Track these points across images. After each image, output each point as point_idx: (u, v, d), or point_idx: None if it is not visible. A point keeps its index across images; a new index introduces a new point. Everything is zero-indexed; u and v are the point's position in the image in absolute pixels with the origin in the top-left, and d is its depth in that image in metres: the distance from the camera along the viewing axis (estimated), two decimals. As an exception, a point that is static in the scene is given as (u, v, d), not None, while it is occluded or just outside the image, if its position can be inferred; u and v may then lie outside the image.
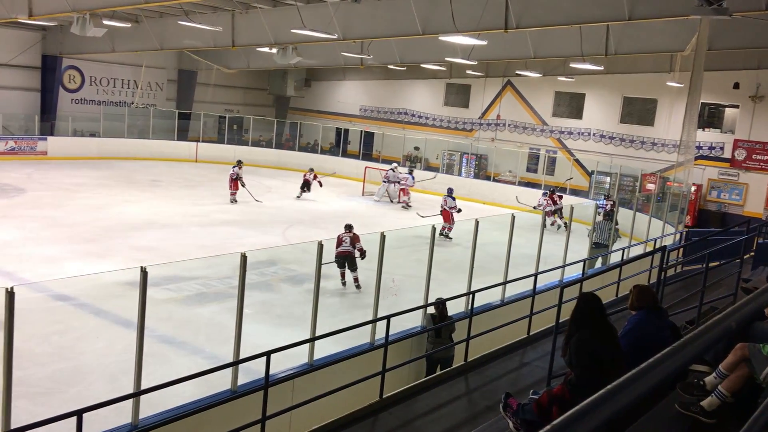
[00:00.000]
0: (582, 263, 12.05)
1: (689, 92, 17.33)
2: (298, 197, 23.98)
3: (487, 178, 29.61)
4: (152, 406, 6.20)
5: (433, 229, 9.13)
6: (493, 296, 10.20)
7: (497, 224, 11.87)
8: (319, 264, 7.67)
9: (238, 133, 34.61)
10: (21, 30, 26.78)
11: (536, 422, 4.63)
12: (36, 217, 17.06)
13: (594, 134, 28.84)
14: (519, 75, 28.46)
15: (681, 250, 15.06)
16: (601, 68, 23.54)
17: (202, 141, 32.00)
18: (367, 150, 33.44)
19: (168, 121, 32.03)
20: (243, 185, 22.06)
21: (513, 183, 27.92)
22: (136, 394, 5.87)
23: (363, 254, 12.93)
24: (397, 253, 15.85)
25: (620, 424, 3.85)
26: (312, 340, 7.34)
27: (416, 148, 32.81)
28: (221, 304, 11.85)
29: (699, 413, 4.25)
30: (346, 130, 34.54)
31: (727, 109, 26.03)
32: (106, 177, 24.37)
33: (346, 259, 13.15)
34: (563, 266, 11.71)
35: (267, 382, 6.29)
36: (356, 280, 13.22)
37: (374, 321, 8.03)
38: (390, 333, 7.69)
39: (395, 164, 26.29)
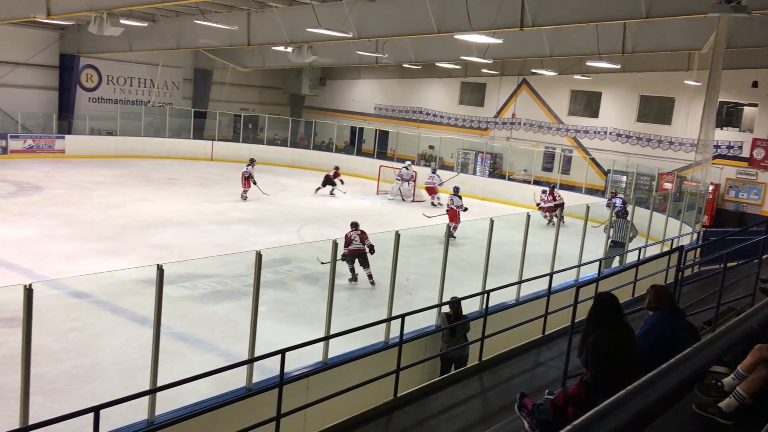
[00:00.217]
0: (597, 263, 11.95)
1: (707, 91, 17.15)
2: (331, 192, 24.61)
3: (502, 177, 29.50)
4: (168, 402, 6.23)
5: (448, 227, 9.12)
6: (508, 296, 10.16)
7: (512, 223, 11.83)
8: (334, 262, 7.68)
9: (253, 131, 34.75)
10: (39, 29, 27.05)
11: (551, 422, 4.60)
12: (53, 215, 17.23)
13: (610, 133, 28.64)
14: (534, 73, 28.31)
15: (698, 249, 14.91)
16: (618, 66, 23.36)
17: (218, 140, 32.16)
18: (382, 149, 33.44)
19: (184, 120, 32.23)
20: (254, 183, 22.20)
21: (528, 182, 27.81)
22: (153, 391, 5.90)
23: (372, 249, 13.14)
24: (411, 251, 15.90)
25: (637, 425, 3.82)
26: (326, 338, 7.34)
27: (431, 147, 32.76)
28: (236, 302, 11.90)
29: (717, 414, 4.21)
30: (361, 129, 34.55)
31: (745, 107, 25.76)
32: (123, 175, 24.55)
33: (357, 257, 13.22)
34: (578, 266, 11.64)
35: (282, 380, 6.31)
36: (370, 276, 13.28)
37: (388, 320, 8.03)
38: (404, 332, 7.68)
39: (408, 162, 26.26)
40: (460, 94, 33.43)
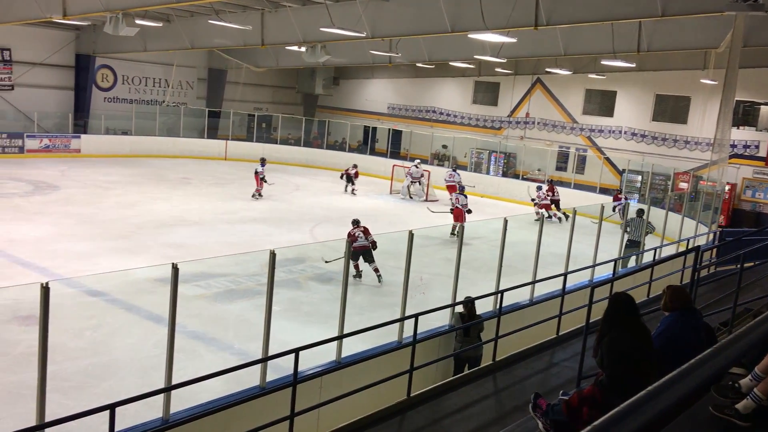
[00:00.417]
0: (612, 263, 11.88)
1: (724, 89, 17.00)
2: (352, 192, 25.06)
3: (516, 176, 29.40)
4: (182, 400, 6.26)
5: (462, 228, 9.10)
6: (522, 296, 10.12)
7: (526, 223, 11.81)
8: (347, 261, 7.68)
9: (266, 131, 34.86)
10: (55, 30, 27.29)
11: (566, 423, 4.58)
12: (69, 214, 17.37)
13: (625, 132, 28.47)
14: (549, 72, 28.19)
15: (714, 250, 14.78)
16: (633, 65, 23.22)
17: (232, 139, 32.28)
18: (395, 148, 33.41)
19: (198, 120, 32.39)
20: (264, 180, 22.42)
21: (542, 181, 27.66)
22: (167, 389, 5.93)
23: (375, 246, 13.29)
24: (424, 251, 15.89)
25: (655, 427, 3.79)
26: (340, 337, 7.35)
27: (444, 147, 32.71)
28: (250, 301, 11.94)
29: (734, 416, 4.17)
30: (374, 128, 34.56)
31: (762, 106, 25.49)
32: (138, 174, 24.72)
33: (362, 254, 13.30)
34: (593, 266, 11.58)
35: (295, 379, 6.32)
36: (376, 270, 13.39)
37: (402, 319, 8.02)
38: (417, 331, 7.67)
39: (418, 161, 26.29)
40: (474, 93, 33.35)
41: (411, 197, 24.98)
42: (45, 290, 5.06)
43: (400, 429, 6.84)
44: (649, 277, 11.36)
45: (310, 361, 7.12)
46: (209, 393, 6.51)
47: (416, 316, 7.67)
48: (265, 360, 6.66)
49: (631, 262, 14.29)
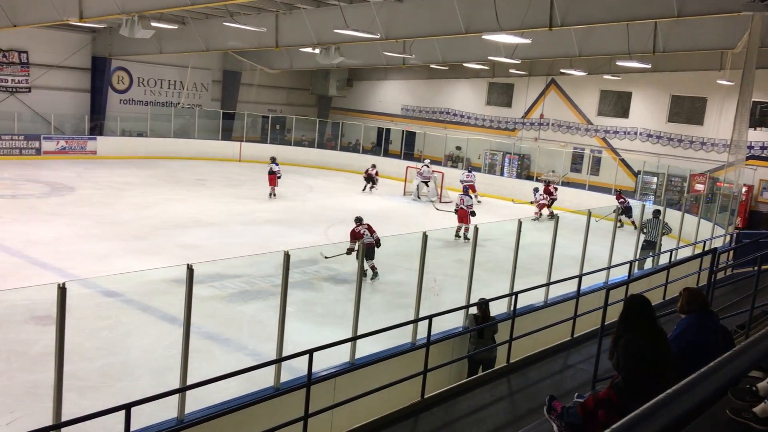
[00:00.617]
0: (628, 265, 11.80)
1: (740, 90, 16.86)
2: (371, 189, 25.78)
3: (530, 178, 29.29)
4: (197, 401, 6.29)
5: (476, 229, 9.06)
6: (536, 297, 10.07)
7: (540, 224, 11.75)
8: (361, 262, 7.69)
9: (281, 132, 34.98)
10: (72, 32, 27.56)
11: (581, 426, 4.54)
12: (86, 215, 17.51)
13: (641, 133, 28.29)
14: (563, 73, 28.07)
15: (731, 252, 14.64)
16: (649, 66, 23.05)
17: (246, 141, 32.44)
18: (409, 150, 33.41)
19: (213, 121, 32.57)
20: (279, 178, 22.96)
21: (557, 183, 27.54)
22: (182, 390, 5.96)
23: (378, 243, 13.34)
24: (438, 252, 15.86)
25: (670, 430, 3.76)
26: (354, 339, 7.35)
27: (458, 148, 32.65)
28: (264, 302, 11.99)
29: (751, 420, 4.12)
30: (388, 130, 34.58)
31: (780, 107, 25.27)
32: (153, 176, 24.88)
33: (367, 251, 13.32)
34: (608, 268, 11.51)
35: (309, 380, 6.32)
36: (373, 267, 13.41)
37: (416, 321, 8.01)
38: (431, 333, 7.66)
39: (428, 161, 26.35)
40: (488, 94, 33.28)
41: (419, 198, 24.94)
42: (62, 291, 5.09)
43: (414, 431, 6.83)
44: (665, 279, 11.27)
45: (323, 362, 7.12)
46: (223, 393, 6.53)
47: (430, 317, 7.66)
48: (279, 361, 6.67)
49: (648, 264, 14.19)
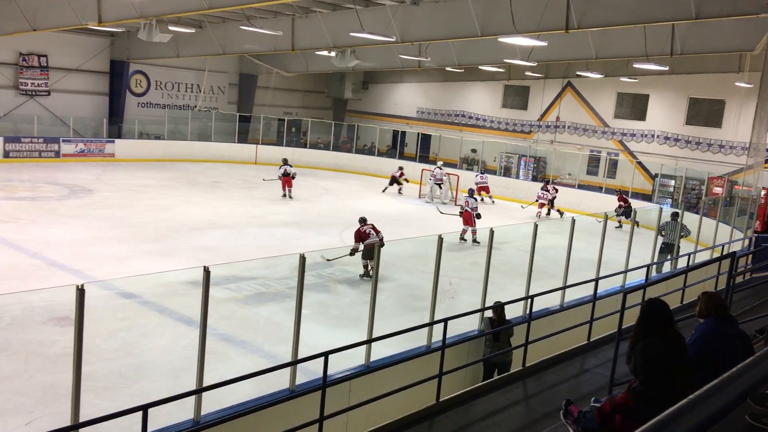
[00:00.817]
0: (644, 269, 11.71)
1: (759, 92, 16.72)
2: (400, 192, 26.45)
3: (546, 180, 29.13)
4: (213, 402, 6.32)
5: (491, 232, 9.03)
6: (552, 301, 10.03)
7: (556, 227, 11.70)
8: (377, 266, 7.69)
9: (296, 135, 35.11)
10: (91, 36, 27.87)
11: (598, 430, 4.52)
12: (103, 217, 17.67)
13: (658, 136, 28.08)
14: (580, 76, 27.94)
15: (750, 256, 14.50)
16: (666, 68, 22.89)
17: (262, 143, 32.58)
18: (424, 152, 33.41)
19: (229, 124, 32.76)
20: (275, 178, 23.49)
21: (573, 186, 27.42)
22: (199, 391, 5.99)
23: (382, 243, 13.18)
24: (453, 255, 15.84)
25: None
26: (369, 341, 7.35)
27: (473, 151, 32.59)
28: (279, 304, 12.03)
29: (771, 426, 4.08)
30: (403, 133, 34.59)
31: (800, 109, 24.95)
32: (170, 178, 25.06)
33: (373, 251, 13.30)
34: (625, 271, 11.43)
35: (325, 383, 6.33)
36: (373, 267, 13.39)
37: (431, 324, 8.00)
38: (447, 336, 7.64)
39: (440, 162, 26.47)
40: (504, 97, 33.19)
41: (433, 200, 24.95)
42: (80, 292, 5.13)
43: (429, 434, 6.81)
44: (683, 283, 11.18)
45: (339, 365, 7.13)
46: (239, 395, 6.56)
47: (445, 320, 7.64)
48: (294, 363, 6.68)
49: (666, 267, 14.08)
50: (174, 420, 6.07)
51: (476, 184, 25.21)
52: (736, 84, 22.97)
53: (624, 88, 28.57)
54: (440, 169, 25.44)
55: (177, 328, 10.57)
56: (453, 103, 34.85)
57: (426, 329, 8.05)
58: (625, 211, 22.01)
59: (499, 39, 17.70)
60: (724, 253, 13.21)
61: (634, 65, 23.23)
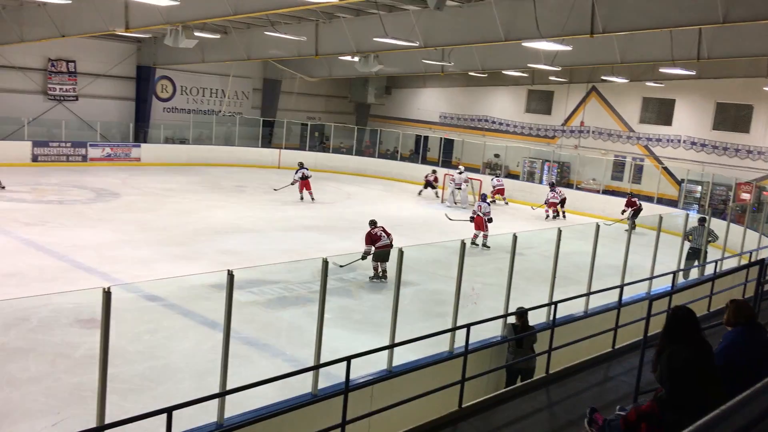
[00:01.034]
0: (671, 276, 11.57)
1: (789, 97, 16.43)
2: (420, 194, 26.94)
3: (570, 185, 28.95)
4: (235, 405, 6.35)
5: (515, 237, 8.98)
6: (576, 307, 9.94)
7: (580, 233, 11.60)
8: (399, 270, 7.68)
9: (319, 140, 35.27)
10: (118, 42, 28.27)
11: (623, 439, 4.47)
12: (129, 221, 17.88)
13: (684, 141, 27.75)
14: (604, 80, 27.72)
15: (779, 263, 14.23)
16: (693, 73, 22.63)
17: (285, 148, 32.76)
18: (447, 157, 33.38)
19: (253, 129, 33.02)
20: (289, 183, 23.70)
21: (597, 191, 27.20)
22: (223, 394, 6.02)
23: (391, 245, 13.59)
24: (476, 260, 15.79)
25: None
26: (392, 346, 7.34)
27: (497, 156, 32.47)
28: (302, 308, 12.07)
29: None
30: (426, 137, 34.58)
31: (830, 114, 24.52)
32: (195, 182, 25.30)
33: (384, 253, 13.47)
34: (651, 278, 11.29)
35: (347, 387, 6.34)
36: (384, 271, 13.46)
37: (454, 329, 7.97)
38: (469, 342, 7.61)
39: (461, 167, 26.52)
40: (527, 102, 33.04)
41: (455, 204, 24.98)
42: (107, 295, 5.20)
43: (451, 440, 6.78)
44: (710, 290, 11.01)
45: (361, 369, 7.14)
46: (262, 399, 6.59)
47: (468, 326, 7.60)
48: (317, 367, 6.70)
49: (693, 274, 13.89)
50: (197, 423, 6.11)
51: (493, 186, 26.02)
52: (765, 89, 22.64)
53: (649, 92, 28.29)
54: (460, 173, 25.47)
55: (201, 331, 10.65)
56: (476, 108, 34.76)
57: (448, 334, 8.02)
58: (635, 213, 22.12)
59: (523, 44, 17.62)
60: (753, 260, 13.00)
61: (660, 70, 22.98)
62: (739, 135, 26.25)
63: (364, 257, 13.52)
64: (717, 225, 16.44)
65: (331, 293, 10.95)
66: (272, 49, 24.67)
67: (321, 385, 6.81)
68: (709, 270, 13.61)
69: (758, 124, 25.58)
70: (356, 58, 22.36)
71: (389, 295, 8.17)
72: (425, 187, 27.03)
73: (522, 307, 8.75)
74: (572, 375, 8.16)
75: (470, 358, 7.59)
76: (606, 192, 26.85)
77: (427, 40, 18.66)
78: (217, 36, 23.59)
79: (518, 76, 30.20)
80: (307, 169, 23.70)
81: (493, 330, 8.86)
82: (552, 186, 24.96)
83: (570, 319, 9.58)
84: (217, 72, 31.93)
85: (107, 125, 28.76)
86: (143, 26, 19.50)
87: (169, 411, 5.25)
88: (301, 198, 23.28)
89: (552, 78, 29.44)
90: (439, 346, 8.03)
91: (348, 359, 6.35)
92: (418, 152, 33.85)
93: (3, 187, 20.47)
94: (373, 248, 13.74)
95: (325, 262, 6.72)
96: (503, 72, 28.27)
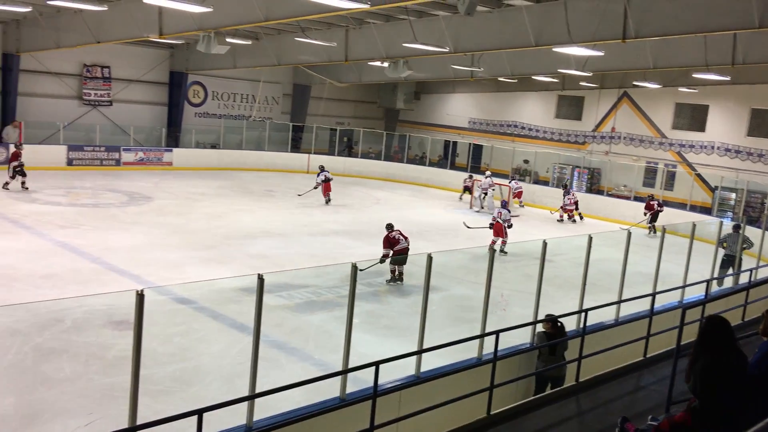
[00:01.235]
0: (704, 284, 11.37)
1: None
2: (461, 199, 27.51)
3: (600, 192, 28.65)
4: (263, 409, 6.39)
5: (544, 244, 8.91)
6: (607, 315, 9.82)
7: (611, 240, 11.47)
8: (428, 276, 7.67)
9: (348, 145, 35.41)
10: (151, 48, 28.74)
11: (655, 450, 4.41)
12: (161, 224, 18.12)
13: (718, 148, 27.28)
14: (636, 86, 27.40)
15: (817, 272, 13.92)
16: (728, 78, 22.26)
17: (314, 153, 32.96)
18: (476, 163, 33.26)
19: (282, 134, 33.27)
20: (312, 188, 24.06)
21: (628, 198, 26.87)
22: (252, 397, 6.06)
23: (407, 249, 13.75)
24: (505, 267, 15.70)
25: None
26: (420, 352, 7.33)
27: (526, 162, 32.27)
28: (330, 313, 12.11)
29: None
30: (455, 143, 34.50)
31: None
32: (225, 187, 25.56)
33: (402, 256, 13.56)
34: (683, 286, 11.12)
35: (375, 392, 6.33)
36: (401, 273, 13.49)
37: (482, 336, 7.92)
38: (498, 348, 7.56)
39: (488, 172, 26.69)
40: (557, 107, 32.80)
41: (483, 209, 24.92)
42: (140, 297, 5.27)
43: (480, 447, 6.74)
44: (745, 299, 10.81)
45: (389, 375, 7.13)
46: (290, 402, 6.61)
47: (497, 332, 7.56)
48: (346, 372, 6.71)
49: (728, 282, 13.65)
50: (226, 425, 6.16)
51: (513, 190, 26.33)
52: (802, 94, 22.18)
53: (683, 98, 27.90)
54: (486, 178, 25.42)
55: (230, 334, 10.75)
56: (505, 114, 34.60)
57: (477, 341, 7.98)
58: (653, 216, 21.96)
59: (553, 49, 17.51)
60: (789, 269, 12.74)
61: (694, 75, 22.66)
62: (775, 141, 25.76)
63: (382, 260, 13.56)
64: (752, 233, 16.13)
65: (359, 298, 10.93)
66: (302, 54, 24.86)
67: (349, 389, 6.81)
68: (744, 278, 13.36)
69: (795, 130, 25.08)
70: (386, 64, 22.42)
71: (416, 300, 8.16)
72: (464, 191, 27.42)
73: (551, 314, 8.67)
74: (603, 383, 8.07)
75: (499, 365, 7.54)
76: (637, 199, 26.50)
77: (456, 46, 18.64)
78: (249, 42, 23.85)
79: (548, 82, 30.01)
80: (329, 172, 23.88)
81: (522, 337, 8.80)
82: (565, 188, 25.30)
83: (601, 327, 9.46)
84: (248, 77, 32.27)
85: (140, 130, 29.20)
86: (176, 33, 19.79)
87: (199, 413, 5.29)
88: (327, 201, 23.41)
89: (583, 83, 29.18)
90: (467, 352, 8.00)
91: (377, 364, 6.35)
92: (447, 158, 33.79)
93: (26, 188, 20.95)
94: (391, 251, 13.81)
95: (355, 267, 6.74)
96: (533, 77, 28.12)
